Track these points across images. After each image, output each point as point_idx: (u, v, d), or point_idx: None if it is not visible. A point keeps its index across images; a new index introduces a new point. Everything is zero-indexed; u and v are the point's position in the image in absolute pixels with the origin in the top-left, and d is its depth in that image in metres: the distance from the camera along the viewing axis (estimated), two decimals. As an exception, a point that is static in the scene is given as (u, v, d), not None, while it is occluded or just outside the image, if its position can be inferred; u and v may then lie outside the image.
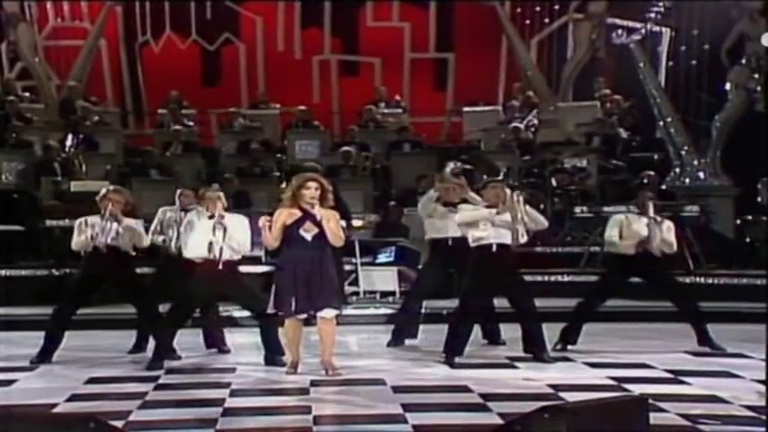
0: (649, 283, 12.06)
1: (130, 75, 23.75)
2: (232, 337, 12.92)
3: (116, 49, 23.73)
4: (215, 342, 12.12)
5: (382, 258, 15.93)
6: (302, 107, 21.44)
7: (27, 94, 22.11)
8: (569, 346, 11.71)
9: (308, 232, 10.20)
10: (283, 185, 17.21)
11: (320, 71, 23.88)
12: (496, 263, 10.97)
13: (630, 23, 21.57)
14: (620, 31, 21.40)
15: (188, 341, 12.06)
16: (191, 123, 21.17)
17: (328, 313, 10.25)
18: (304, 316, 10.37)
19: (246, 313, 12.08)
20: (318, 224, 10.18)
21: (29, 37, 22.66)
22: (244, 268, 14.92)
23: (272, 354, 11.01)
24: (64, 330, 11.53)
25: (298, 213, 10.21)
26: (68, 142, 19.32)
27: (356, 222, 13.92)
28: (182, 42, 23.78)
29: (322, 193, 10.24)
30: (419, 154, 19.70)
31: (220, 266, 10.81)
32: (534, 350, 11.09)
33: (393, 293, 15.56)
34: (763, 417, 7.67)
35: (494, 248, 10.97)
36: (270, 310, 10.47)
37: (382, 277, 15.70)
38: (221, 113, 22.19)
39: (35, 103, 21.79)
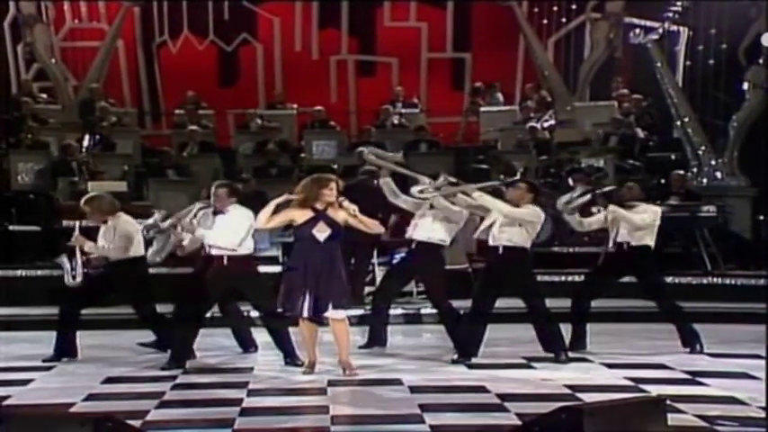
0: (638, 280, 12.04)
1: (147, 75, 23.80)
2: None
3: (133, 49, 23.78)
4: (247, 342, 12.09)
5: (399, 258, 15.89)
6: (319, 107, 21.47)
7: (44, 95, 22.19)
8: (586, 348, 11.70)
9: (321, 233, 10.20)
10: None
11: (337, 71, 23.90)
12: (502, 263, 10.99)
13: (648, 23, 21.50)
14: (637, 31, 21.31)
15: (207, 341, 12.10)
16: (209, 124, 21.20)
17: (338, 314, 10.26)
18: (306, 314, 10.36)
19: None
20: (331, 225, 10.19)
21: (45, 38, 22.68)
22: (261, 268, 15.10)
23: (288, 356, 11.03)
24: (72, 329, 11.58)
25: (310, 213, 10.21)
26: (85, 143, 19.35)
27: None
28: (199, 43, 23.82)
29: (338, 195, 10.27)
30: (436, 154, 19.69)
31: (225, 262, 10.87)
32: (554, 350, 11.09)
33: (410, 293, 15.56)
34: None
35: (500, 250, 10.99)
36: (278, 310, 10.49)
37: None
38: (238, 114, 22.25)
39: (52, 104, 21.85)
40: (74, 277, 11.56)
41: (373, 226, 10.45)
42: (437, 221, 11.48)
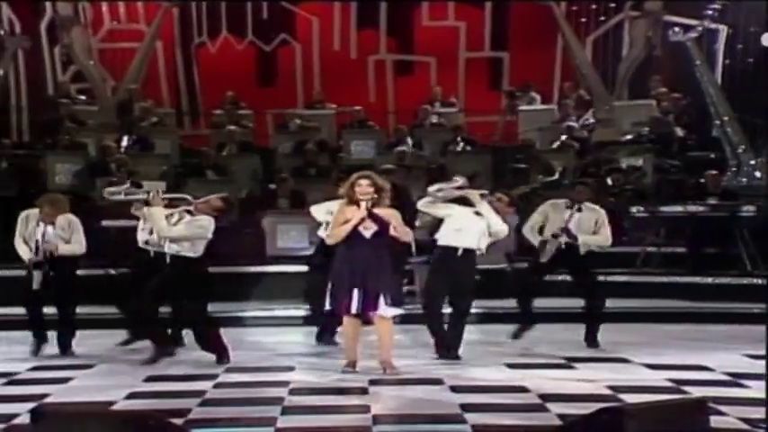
0: (572, 277, 12.28)
1: (186, 76, 23.86)
2: (291, 335, 13.05)
3: (172, 50, 23.85)
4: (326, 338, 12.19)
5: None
6: (357, 107, 21.50)
7: (81, 96, 22.31)
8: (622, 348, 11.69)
9: (366, 230, 10.24)
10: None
11: (375, 71, 23.88)
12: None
13: (687, 21, 21.41)
14: (676, 29, 21.19)
15: (248, 340, 12.17)
16: (248, 124, 21.27)
17: (387, 312, 10.28)
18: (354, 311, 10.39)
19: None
20: (377, 221, 10.22)
21: (83, 40, 22.75)
22: (293, 268, 15.22)
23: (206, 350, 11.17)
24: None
25: (364, 212, 10.24)
26: (124, 143, 19.44)
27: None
28: (238, 43, 23.87)
29: (377, 192, 10.28)
30: (474, 153, 19.70)
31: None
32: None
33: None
34: None
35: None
36: (326, 309, 10.52)
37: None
38: (277, 114, 22.31)
39: (89, 106, 21.95)
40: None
41: (405, 235, 10.49)
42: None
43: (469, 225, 11.14)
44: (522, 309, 12.28)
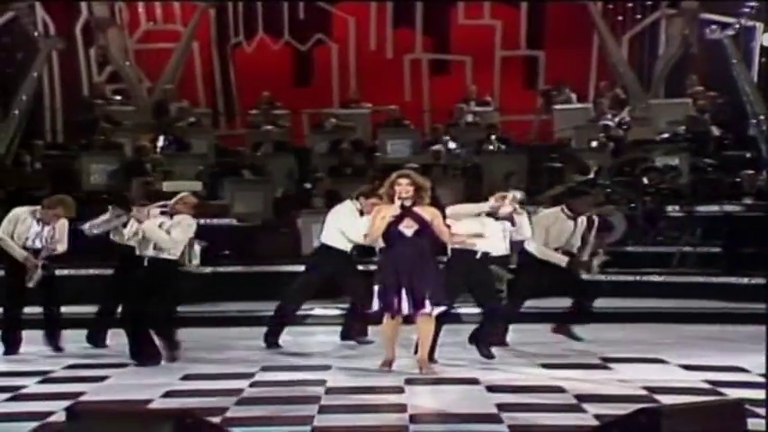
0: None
1: (222, 76, 23.94)
2: (327, 334, 13.07)
3: (208, 50, 23.94)
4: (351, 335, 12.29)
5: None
6: (393, 106, 21.53)
7: (117, 97, 22.42)
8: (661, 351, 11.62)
9: (408, 228, 10.26)
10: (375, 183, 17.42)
11: (411, 70, 23.90)
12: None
13: (724, 19, 21.33)
14: (713, 27, 21.16)
15: (284, 339, 12.22)
16: (284, 124, 21.33)
17: (432, 311, 10.29)
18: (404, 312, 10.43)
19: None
20: (418, 220, 10.24)
21: (119, 41, 22.89)
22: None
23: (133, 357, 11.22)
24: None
25: (398, 210, 10.26)
26: (160, 143, 19.53)
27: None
28: (274, 43, 23.93)
29: (417, 191, 10.29)
30: (509, 152, 19.69)
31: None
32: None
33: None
34: None
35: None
36: (374, 309, 10.54)
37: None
38: (313, 113, 22.38)
39: (125, 106, 22.06)
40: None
41: (446, 236, 10.52)
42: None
43: (491, 228, 11.13)
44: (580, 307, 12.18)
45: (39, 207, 12.07)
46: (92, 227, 12.00)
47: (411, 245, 10.24)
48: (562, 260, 11.88)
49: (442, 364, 10.75)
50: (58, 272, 12.34)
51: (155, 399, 9.34)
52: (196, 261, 11.78)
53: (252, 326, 13.44)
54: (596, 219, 12.20)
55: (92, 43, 23.07)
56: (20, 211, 12.09)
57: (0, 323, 12.30)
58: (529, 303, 12.59)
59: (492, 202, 11.03)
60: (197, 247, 11.68)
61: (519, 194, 11.30)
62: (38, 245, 11.97)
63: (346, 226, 12.15)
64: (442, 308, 10.39)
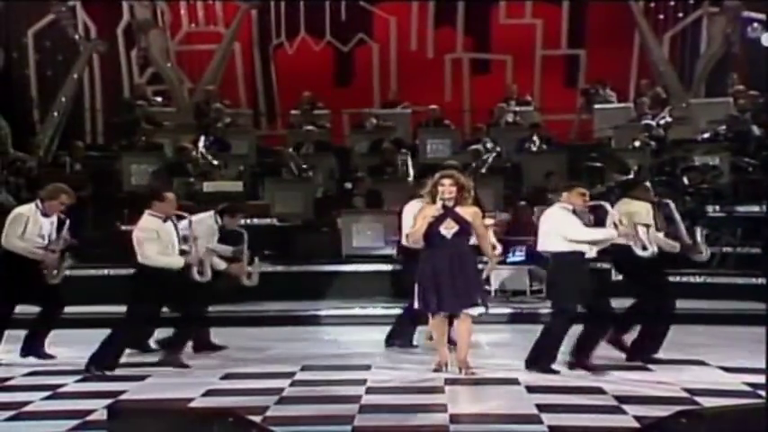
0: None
1: (263, 77, 24.03)
2: (367, 334, 13.11)
3: (249, 51, 24.03)
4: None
5: (513, 257, 15.94)
6: (434, 106, 21.52)
7: (158, 98, 22.55)
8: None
9: (448, 230, 10.30)
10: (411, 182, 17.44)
11: (452, 70, 23.89)
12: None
13: (766, 17, 21.19)
14: (755, 25, 21.03)
15: (323, 339, 12.26)
16: (325, 124, 21.38)
17: (473, 310, 10.34)
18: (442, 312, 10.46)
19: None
20: (459, 221, 10.27)
21: (161, 42, 23.03)
22: (369, 267, 15.37)
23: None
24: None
25: (440, 210, 10.29)
26: (201, 144, 19.64)
27: (487, 221, 14.04)
28: (315, 44, 23.98)
29: (459, 191, 10.31)
30: (549, 152, 19.67)
31: None
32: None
33: (524, 293, 15.63)
34: None
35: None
36: (416, 308, 10.58)
37: (513, 277, 15.76)
38: (354, 113, 22.43)
39: (166, 107, 22.19)
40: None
41: (483, 239, 10.57)
42: None
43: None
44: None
45: (37, 202, 11.56)
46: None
47: (450, 246, 10.29)
48: (675, 246, 11.56)
49: (481, 365, 10.74)
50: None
51: (195, 398, 9.42)
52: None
53: (292, 325, 13.50)
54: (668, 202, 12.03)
55: (133, 45, 23.24)
56: (24, 210, 11.60)
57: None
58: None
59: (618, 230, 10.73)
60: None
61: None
62: (53, 238, 11.51)
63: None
64: (481, 309, 10.41)
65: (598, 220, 10.90)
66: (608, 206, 10.87)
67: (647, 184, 12.14)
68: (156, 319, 11.27)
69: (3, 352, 11.59)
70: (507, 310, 14.69)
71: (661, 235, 11.34)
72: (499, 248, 12.04)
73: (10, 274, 11.52)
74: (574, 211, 10.53)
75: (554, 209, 10.68)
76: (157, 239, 10.80)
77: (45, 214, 11.53)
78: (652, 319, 11.18)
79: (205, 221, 11.89)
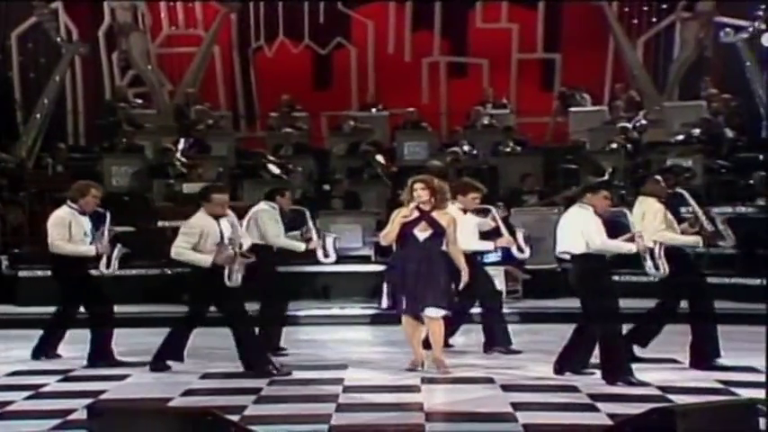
0: None
1: (243, 79, 24.10)
2: (345, 333, 13.16)
3: (229, 54, 24.10)
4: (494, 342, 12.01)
5: (489, 258, 16.00)
6: (411, 109, 21.64)
7: (139, 100, 22.59)
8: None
9: (421, 233, 10.45)
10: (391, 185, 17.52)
11: (429, 73, 24.00)
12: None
13: (738, 22, 21.40)
14: (727, 30, 21.23)
15: (300, 338, 12.33)
16: (303, 126, 21.46)
17: (434, 313, 10.47)
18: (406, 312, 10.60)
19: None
20: (433, 225, 10.42)
21: (142, 45, 23.10)
22: (347, 267, 15.41)
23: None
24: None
25: (415, 213, 10.44)
26: (181, 146, 19.69)
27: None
28: (294, 47, 24.06)
29: (432, 195, 10.45)
30: (525, 154, 19.81)
31: None
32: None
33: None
34: None
35: None
36: (383, 306, 10.70)
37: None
38: (332, 116, 22.52)
39: (147, 110, 22.23)
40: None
41: (455, 245, 10.64)
42: None
43: None
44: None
45: (69, 203, 11.47)
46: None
47: (422, 248, 10.44)
48: (698, 241, 11.43)
49: (456, 364, 10.84)
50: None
51: (175, 397, 9.49)
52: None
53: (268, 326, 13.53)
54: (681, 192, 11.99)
55: (114, 48, 23.29)
56: (65, 214, 11.43)
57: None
58: (545, 303, 12.70)
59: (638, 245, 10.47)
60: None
61: None
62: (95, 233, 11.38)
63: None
64: (441, 312, 10.50)
65: (616, 224, 10.87)
66: (629, 215, 10.81)
67: (657, 177, 11.96)
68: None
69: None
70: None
71: (678, 235, 11.23)
72: (527, 251, 12.23)
73: (68, 274, 11.48)
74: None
75: (577, 210, 10.32)
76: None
77: (83, 213, 11.46)
78: (701, 321, 11.11)
79: (266, 211, 11.97)
